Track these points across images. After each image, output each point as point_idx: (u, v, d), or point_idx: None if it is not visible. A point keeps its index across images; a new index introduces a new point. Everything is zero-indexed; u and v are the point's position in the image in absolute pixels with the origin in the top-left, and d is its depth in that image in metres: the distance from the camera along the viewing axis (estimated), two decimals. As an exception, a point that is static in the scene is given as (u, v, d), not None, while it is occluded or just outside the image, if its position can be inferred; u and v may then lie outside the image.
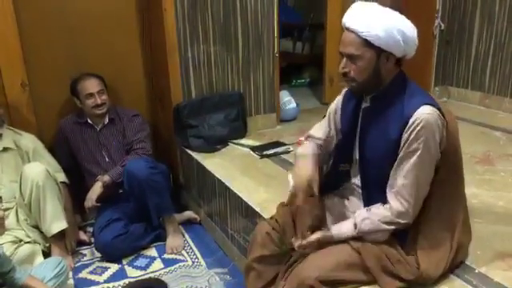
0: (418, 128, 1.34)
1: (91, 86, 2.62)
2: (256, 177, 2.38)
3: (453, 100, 3.40)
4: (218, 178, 2.43)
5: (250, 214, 2.10)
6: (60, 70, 2.74)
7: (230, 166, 2.54)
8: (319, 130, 1.70)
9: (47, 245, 2.35)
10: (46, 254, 2.31)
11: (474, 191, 2.07)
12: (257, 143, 2.83)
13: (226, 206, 2.38)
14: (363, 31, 1.35)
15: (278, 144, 2.77)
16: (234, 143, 2.86)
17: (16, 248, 2.20)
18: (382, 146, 1.44)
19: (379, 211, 1.44)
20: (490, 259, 1.57)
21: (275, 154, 2.64)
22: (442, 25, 3.36)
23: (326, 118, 1.70)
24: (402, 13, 1.41)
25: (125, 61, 2.96)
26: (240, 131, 2.96)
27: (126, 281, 2.27)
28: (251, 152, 2.72)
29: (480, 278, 1.48)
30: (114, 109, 2.75)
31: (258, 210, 2.02)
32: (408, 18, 1.42)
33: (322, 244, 1.51)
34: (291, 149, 2.69)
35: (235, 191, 2.24)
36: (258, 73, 3.06)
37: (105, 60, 2.83)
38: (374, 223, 1.43)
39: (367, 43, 1.36)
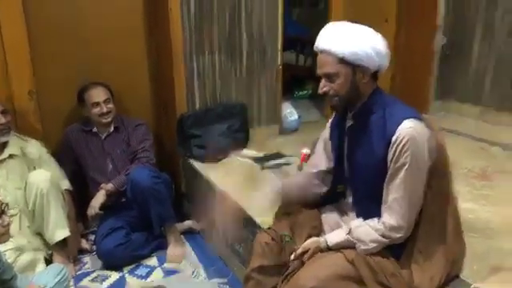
0: (402, 143, 1.38)
1: (98, 94, 2.67)
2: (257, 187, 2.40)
3: (452, 114, 3.43)
4: (219, 188, 2.45)
5: (250, 225, 2.12)
6: (67, 79, 2.79)
7: (232, 177, 2.57)
8: (321, 160, 1.73)
9: (49, 252, 2.38)
10: (48, 262, 2.34)
11: (471, 206, 2.09)
12: (259, 154, 2.86)
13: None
14: (336, 49, 1.41)
15: (279, 155, 2.80)
16: (235, 154, 2.89)
17: (18, 255, 2.22)
18: (369, 164, 1.49)
19: (373, 223, 1.47)
20: (486, 274, 1.58)
21: (277, 166, 2.68)
22: (443, 39, 3.40)
23: (319, 149, 1.73)
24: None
25: (131, 70, 3.01)
26: (242, 142, 2.99)
27: (127, 289, 2.30)
28: (253, 163, 2.75)
29: (475, 292, 1.50)
30: (119, 117, 2.80)
31: (257, 220, 2.05)
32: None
33: (315, 250, 1.53)
34: (292, 161, 2.72)
35: (235, 201, 2.25)
36: (261, 84, 3.10)
37: (111, 69, 2.88)
38: (368, 231, 1.46)
39: (342, 60, 1.42)
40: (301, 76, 4.66)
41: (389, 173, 1.43)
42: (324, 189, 1.73)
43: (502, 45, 3.06)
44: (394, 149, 1.40)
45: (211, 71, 2.94)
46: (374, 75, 1.49)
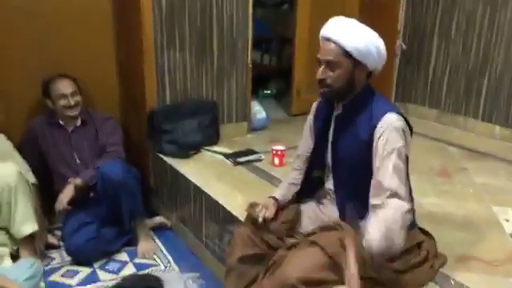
0: (388, 132, 1.44)
1: (64, 86, 2.60)
2: (231, 183, 2.44)
3: (411, 116, 3.61)
4: (193, 183, 2.46)
5: (227, 219, 2.15)
6: (32, 70, 2.70)
7: (205, 172, 2.59)
8: (303, 146, 1.82)
9: (15, 248, 2.30)
10: (14, 257, 2.26)
11: (435, 201, 2.24)
12: (229, 150, 2.89)
13: (202, 212, 2.42)
14: (344, 41, 1.47)
15: (250, 152, 2.84)
16: (206, 150, 2.91)
17: (-18, 251, 2.14)
18: (353, 147, 1.56)
19: (388, 215, 1.37)
20: (452, 262, 1.69)
21: (248, 162, 2.72)
22: (404, 45, 3.58)
23: (306, 132, 1.81)
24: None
25: (99, 63, 2.96)
26: (213, 138, 3.02)
27: (99, 284, 2.26)
28: (224, 159, 2.78)
29: (443, 278, 1.60)
30: (86, 111, 2.74)
31: (236, 214, 2.08)
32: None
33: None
34: (263, 157, 2.77)
35: (212, 196, 2.29)
36: (231, 82, 3.13)
37: (79, 61, 2.82)
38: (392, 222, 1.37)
39: (346, 53, 1.48)
40: (265, 75, 4.73)
41: (376, 163, 1.44)
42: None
43: (457, 53, 3.27)
44: (378, 136, 1.46)
45: (182, 68, 2.94)
46: (369, 75, 1.57)
